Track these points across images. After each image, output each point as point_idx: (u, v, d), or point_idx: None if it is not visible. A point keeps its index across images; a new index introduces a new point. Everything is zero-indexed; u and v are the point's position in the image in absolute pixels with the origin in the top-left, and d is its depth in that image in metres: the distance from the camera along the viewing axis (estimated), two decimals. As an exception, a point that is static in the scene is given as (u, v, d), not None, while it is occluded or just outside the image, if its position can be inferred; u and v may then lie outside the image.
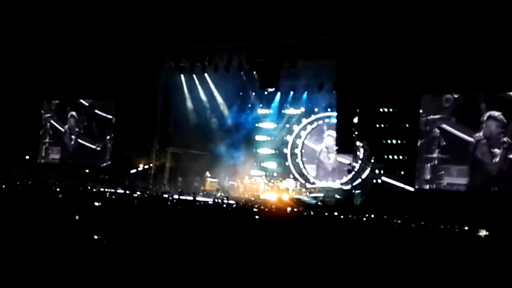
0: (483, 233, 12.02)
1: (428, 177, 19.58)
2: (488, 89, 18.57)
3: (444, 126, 19.37)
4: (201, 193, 21.07)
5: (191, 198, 16.70)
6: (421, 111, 19.63)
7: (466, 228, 12.70)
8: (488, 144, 18.83)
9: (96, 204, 11.98)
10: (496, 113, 18.72)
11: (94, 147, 25.32)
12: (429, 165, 19.62)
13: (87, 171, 24.65)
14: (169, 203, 15.04)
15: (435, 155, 19.50)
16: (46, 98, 26.59)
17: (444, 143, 19.42)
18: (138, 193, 17.57)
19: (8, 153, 24.02)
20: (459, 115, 19.30)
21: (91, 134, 25.55)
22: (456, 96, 19.31)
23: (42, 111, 26.84)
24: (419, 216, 14.20)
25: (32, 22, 22.33)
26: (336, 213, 15.21)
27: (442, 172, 19.45)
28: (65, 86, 24.85)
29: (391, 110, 20.22)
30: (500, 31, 16.81)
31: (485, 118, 18.85)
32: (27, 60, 23.99)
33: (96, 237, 7.97)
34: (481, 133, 18.91)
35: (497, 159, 18.64)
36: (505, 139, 18.60)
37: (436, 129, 19.47)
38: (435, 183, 19.48)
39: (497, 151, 18.65)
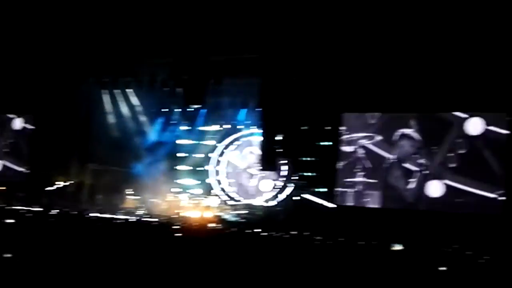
0: (398, 247, 12.45)
1: (352, 204, 17.97)
2: (411, 109, 17.22)
3: (369, 145, 17.81)
4: (121, 211, 20.57)
5: (111, 216, 16.35)
6: (344, 128, 18.43)
7: (382, 243, 13.06)
8: (401, 166, 17.26)
9: (8, 221, 11.51)
10: (408, 130, 17.23)
11: (23, 170, 23.68)
12: (352, 190, 17.97)
13: (1, 188, 23.58)
14: (88, 221, 14.69)
15: (358, 179, 17.92)
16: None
17: (370, 165, 17.76)
18: (56, 211, 17.03)
19: None
20: (386, 132, 17.55)
21: (18, 154, 23.92)
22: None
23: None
24: (341, 233, 14.43)
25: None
26: (258, 230, 15.27)
27: (368, 199, 17.82)
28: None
29: (312, 128, 20.42)
30: (427, 51, 16.68)
31: (398, 137, 17.35)
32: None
33: (7, 256, 7.68)
34: (394, 155, 17.36)
35: (414, 185, 17.04)
36: (422, 160, 16.93)
37: (360, 149, 17.99)
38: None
39: (413, 174, 17.01)
